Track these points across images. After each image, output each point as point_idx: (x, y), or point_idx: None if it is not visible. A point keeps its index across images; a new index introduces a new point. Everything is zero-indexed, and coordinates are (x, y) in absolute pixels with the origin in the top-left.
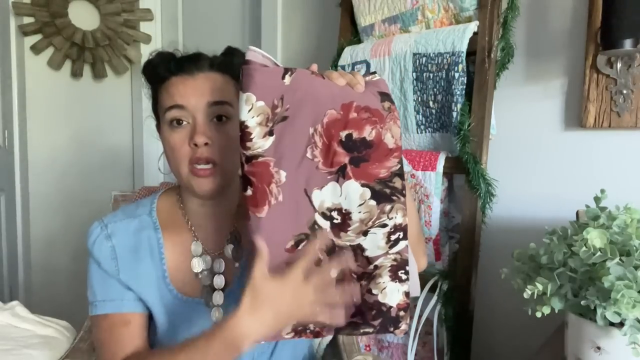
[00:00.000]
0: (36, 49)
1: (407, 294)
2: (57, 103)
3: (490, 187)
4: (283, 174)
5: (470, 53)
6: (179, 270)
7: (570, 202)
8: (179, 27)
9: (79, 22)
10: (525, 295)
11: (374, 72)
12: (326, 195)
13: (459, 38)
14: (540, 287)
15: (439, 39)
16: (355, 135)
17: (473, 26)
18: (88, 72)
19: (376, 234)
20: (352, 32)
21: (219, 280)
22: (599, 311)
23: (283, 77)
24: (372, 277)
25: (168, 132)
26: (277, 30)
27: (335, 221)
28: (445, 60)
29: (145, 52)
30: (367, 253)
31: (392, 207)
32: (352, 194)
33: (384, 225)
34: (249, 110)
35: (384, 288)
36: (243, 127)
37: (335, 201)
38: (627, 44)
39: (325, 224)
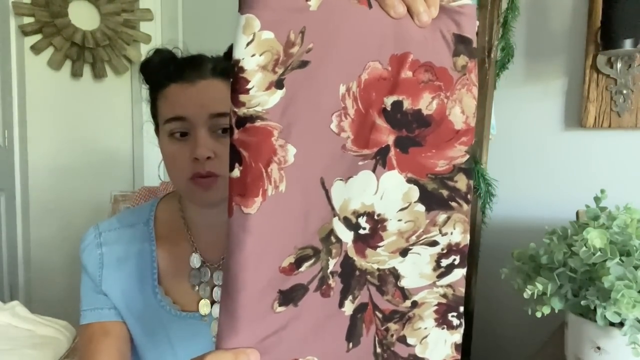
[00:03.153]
0: (36, 49)
1: (457, 346)
2: (57, 103)
3: (490, 187)
4: (291, 150)
5: None
6: (175, 283)
7: (570, 202)
8: (179, 27)
9: (79, 22)
10: (525, 295)
11: None
12: (354, 191)
13: None
14: (540, 287)
15: None
16: (406, 104)
17: None
18: (88, 72)
19: (420, 255)
20: None
21: (219, 293)
22: (599, 311)
23: None
24: (409, 319)
25: (167, 143)
26: None
27: (362, 231)
28: None
29: (145, 52)
30: (404, 283)
31: (448, 218)
32: (392, 193)
33: (434, 244)
34: (248, 44)
35: (426, 337)
36: (237, 69)
37: (367, 201)
38: (627, 44)
39: (347, 236)
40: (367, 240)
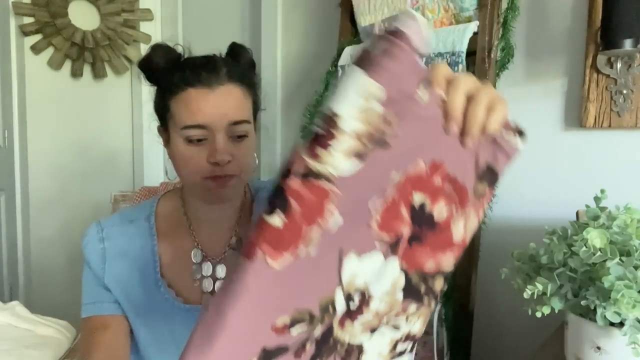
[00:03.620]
0: (36, 49)
1: None
2: (57, 103)
3: None
4: (338, 219)
5: (470, 53)
6: (177, 277)
7: (570, 202)
8: (179, 27)
9: (79, 22)
10: (525, 295)
11: (522, 133)
12: (363, 268)
13: (459, 38)
14: (540, 287)
15: (439, 39)
16: (427, 206)
17: (473, 26)
18: (88, 72)
19: (384, 335)
20: (352, 32)
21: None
22: (599, 311)
23: (418, 86)
24: None
25: (183, 147)
26: (277, 30)
27: (352, 306)
28: (445, 60)
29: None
30: (364, 358)
31: (417, 309)
32: (387, 277)
33: (396, 328)
34: (357, 107)
35: None
36: (330, 120)
37: (369, 280)
38: (627, 44)
39: (341, 308)
40: (351, 314)
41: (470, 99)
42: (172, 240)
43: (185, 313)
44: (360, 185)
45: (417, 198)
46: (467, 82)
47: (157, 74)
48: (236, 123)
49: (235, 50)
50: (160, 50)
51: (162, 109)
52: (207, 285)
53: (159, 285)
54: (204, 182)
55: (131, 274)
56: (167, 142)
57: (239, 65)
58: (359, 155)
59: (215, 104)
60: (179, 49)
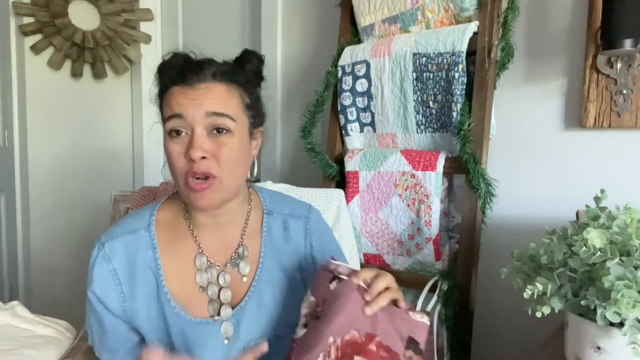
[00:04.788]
0: (36, 49)
1: None
2: (57, 103)
3: (490, 187)
4: None
5: (470, 53)
6: (182, 287)
7: (570, 202)
8: (179, 27)
9: (79, 22)
10: (525, 295)
11: (427, 313)
12: None
13: (459, 38)
14: (540, 287)
15: (439, 39)
16: None
17: (473, 26)
18: (88, 72)
19: None
20: (352, 32)
21: (227, 295)
22: (599, 311)
23: (330, 282)
24: None
25: (167, 142)
26: (277, 30)
27: None
28: (445, 60)
29: (145, 52)
30: None
31: None
32: None
33: None
34: (305, 302)
35: None
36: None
37: None
38: (627, 44)
39: None
40: None
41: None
42: (174, 249)
43: (195, 326)
44: (308, 342)
45: (357, 359)
46: (385, 279)
47: (160, 77)
48: (215, 114)
49: (244, 56)
50: (174, 57)
51: (160, 110)
52: (212, 293)
53: (169, 299)
54: (185, 189)
55: (143, 292)
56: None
57: (231, 67)
58: (305, 325)
59: (193, 97)
60: (192, 55)
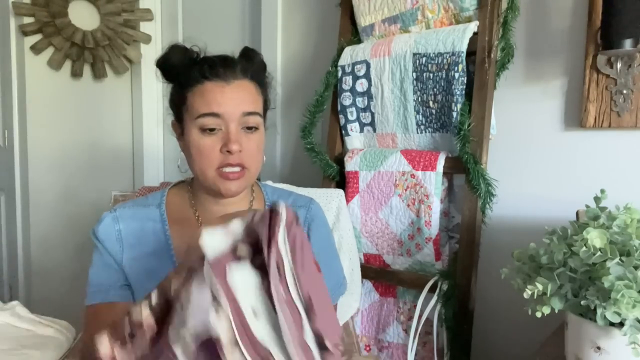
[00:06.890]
0: (36, 49)
1: None
2: (57, 103)
3: (490, 187)
4: None
5: (470, 53)
6: None
7: (570, 202)
8: (179, 27)
9: (79, 22)
10: (525, 295)
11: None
12: None
13: (459, 38)
14: (540, 287)
15: (439, 39)
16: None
17: (473, 26)
18: (88, 72)
19: None
20: (352, 32)
21: None
22: (599, 311)
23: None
24: None
25: (198, 137)
26: (277, 30)
27: None
28: (445, 60)
29: (145, 52)
30: None
31: None
32: None
33: None
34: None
35: None
36: None
37: None
38: (627, 44)
39: None
40: None
41: None
42: (181, 228)
43: None
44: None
45: None
46: None
47: (175, 70)
48: (249, 114)
49: (248, 52)
50: (178, 49)
51: (179, 102)
52: None
53: (174, 262)
54: (216, 176)
55: (148, 257)
56: (180, 135)
57: (252, 64)
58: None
59: (230, 95)
60: (195, 49)
